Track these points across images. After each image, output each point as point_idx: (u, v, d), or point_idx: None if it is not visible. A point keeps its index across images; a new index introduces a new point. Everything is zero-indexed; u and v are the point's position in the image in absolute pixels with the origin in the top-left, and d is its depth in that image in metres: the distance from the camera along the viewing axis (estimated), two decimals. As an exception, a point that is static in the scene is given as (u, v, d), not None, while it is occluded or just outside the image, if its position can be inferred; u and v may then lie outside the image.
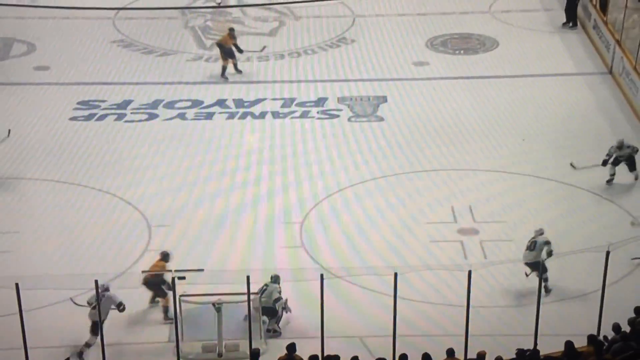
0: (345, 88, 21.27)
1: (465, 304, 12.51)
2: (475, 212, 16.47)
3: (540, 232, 14.37)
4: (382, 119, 19.98)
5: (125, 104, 20.42)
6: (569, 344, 11.93)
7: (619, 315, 12.66)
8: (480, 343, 12.41)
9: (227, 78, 21.28)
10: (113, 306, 13.14)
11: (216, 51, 22.90)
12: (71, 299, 13.42)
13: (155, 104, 20.44)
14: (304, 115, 19.99)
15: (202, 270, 14.36)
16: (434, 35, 24.06)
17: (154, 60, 22.57)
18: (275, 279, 13.71)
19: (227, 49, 21.36)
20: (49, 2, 25.23)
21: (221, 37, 21.80)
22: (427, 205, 16.71)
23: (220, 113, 20.14)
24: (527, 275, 14.18)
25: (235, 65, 21.48)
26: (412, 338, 13.14)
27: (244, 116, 20.00)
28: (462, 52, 23.32)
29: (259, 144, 18.77)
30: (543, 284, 13.55)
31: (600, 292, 12.86)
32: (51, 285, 14.13)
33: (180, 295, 12.88)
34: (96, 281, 12.35)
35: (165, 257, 14.16)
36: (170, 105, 20.46)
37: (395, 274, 12.33)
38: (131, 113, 20.05)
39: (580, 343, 12.15)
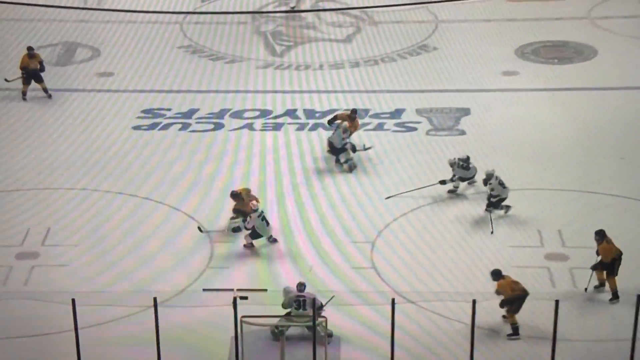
0: (425, 99, 21.38)
1: (551, 336, 12.42)
2: (565, 236, 16.33)
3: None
4: (463, 133, 20.00)
5: (191, 113, 20.98)
6: None
7: None
8: (567, 379, 12.31)
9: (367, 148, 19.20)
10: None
11: (287, 58, 23.35)
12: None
13: (221, 114, 20.94)
14: (378, 127, 20.16)
15: (265, 290, 14.66)
16: (524, 42, 23.99)
17: (222, 67, 23.14)
18: (303, 286, 13.93)
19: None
20: (115, 5, 26.18)
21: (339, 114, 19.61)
22: (511, 227, 16.63)
23: (290, 124, 20.50)
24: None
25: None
26: (490, 371, 13.13)
27: (314, 128, 20.31)
28: (555, 61, 23.17)
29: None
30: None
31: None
32: (109, 301, 14.59)
33: (242, 317, 13.14)
34: None
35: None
36: (237, 114, 20.92)
37: (474, 301, 12.36)
38: (196, 122, 20.59)
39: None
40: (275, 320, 13.68)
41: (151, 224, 16.94)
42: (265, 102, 21.46)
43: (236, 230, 16.09)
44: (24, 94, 21.12)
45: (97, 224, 16.86)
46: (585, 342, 13.85)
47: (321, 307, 13.74)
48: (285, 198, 17.75)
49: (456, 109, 20.98)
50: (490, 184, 16.64)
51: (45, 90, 21.21)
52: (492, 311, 14.22)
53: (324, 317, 13.46)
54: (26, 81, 21.02)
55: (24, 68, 20.98)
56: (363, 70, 22.94)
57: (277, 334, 13.52)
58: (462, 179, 17.57)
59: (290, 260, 15.87)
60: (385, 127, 20.21)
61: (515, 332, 13.89)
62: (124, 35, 24.83)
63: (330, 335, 13.69)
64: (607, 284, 14.79)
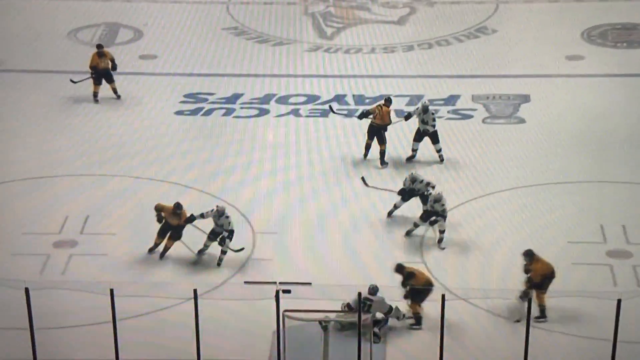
0: (482, 85, 21.33)
1: (612, 337, 12.38)
2: (630, 232, 16.23)
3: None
4: (523, 121, 19.92)
5: (235, 97, 21.23)
6: None
7: None
8: (627, 384, 12.28)
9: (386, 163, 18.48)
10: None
11: (337, 41, 23.41)
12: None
13: (267, 99, 21.14)
14: (432, 114, 20.22)
15: (309, 283, 14.81)
16: (591, 25, 23.76)
17: (268, 50, 23.33)
18: (375, 290, 14.05)
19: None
20: (158, -16, 26.52)
21: (377, 113, 18.40)
22: (571, 222, 16.58)
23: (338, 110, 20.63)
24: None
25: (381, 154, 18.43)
26: (546, 373, 13.15)
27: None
28: (624, 45, 22.92)
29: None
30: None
31: None
32: (148, 292, 14.88)
33: (284, 311, 13.31)
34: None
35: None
36: (283, 100, 21.10)
37: (529, 299, 12.33)
38: (240, 108, 20.83)
39: None
40: (319, 315, 13.82)
41: (193, 212, 17.17)
42: (313, 87, 21.60)
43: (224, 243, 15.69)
44: (95, 94, 20.87)
45: (136, 213, 17.17)
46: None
47: (390, 310, 14.00)
48: (332, 188, 17.89)
49: (515, 95, 20.88)
50: (443, 204, 15.88)
51: (114, 91, 20.93)
52: (549, 310, 14.20)
53: (369, 313, 13.62)
54: (97, 81, 20.74)
55: (93, 67, 20.69)
56: (417, 54, 22.94)
57: (323, 328, 13.68)
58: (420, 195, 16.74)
59: (336, 252, 16.01)
60: (439, 114, 20.14)
61: (418, 322, 14.16)
62: (168, 16, 25.15)
63: (377, 335, 13.83)
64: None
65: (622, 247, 15.94)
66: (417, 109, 18.29)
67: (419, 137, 18.38)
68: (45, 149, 19.33)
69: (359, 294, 13.57)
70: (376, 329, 13.93)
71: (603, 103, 20.49)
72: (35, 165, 18.70)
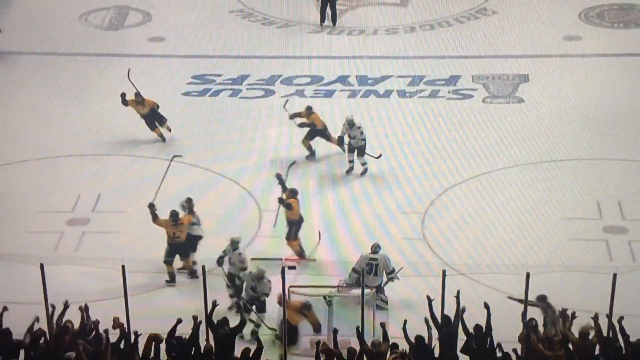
0: (482, 65, 21.30)
1: (607, 311, 12.43)
2: (625, 208, 16.29)
3: None
4: (521, 101, 19.91)
5: (241, 79, 21.24)
6: None
7: None
8: (622, 355, 12.29)
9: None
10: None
11: (341, 23, 23.35)
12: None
13: (272, 80, 21.14)
14: (433, 94, 20.18)
15: (314, 260, 14.93)
16: (589, 5, 23.64)
17: (274, 32, 23.29)
18: (377, 248, 14.21)
19: (319, 131, 18.01)
20: (166, -32, 26.39)
21: (303, 113, 18.20)
22: (568, 199, 16.63)
23: (342, 91, 20.61)
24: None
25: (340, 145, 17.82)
26: (543, 346, 13.15)
27: (366, 95, 20.40)
28: (621, 25, 22.82)
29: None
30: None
31: None
32: (159, 269, 15.01)
33: (290, 287, 13.42)
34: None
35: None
36: (288, 81, 21.10)
37: (528, 274, 12.43)
38: (247, 89, 20.84)
39: None
40: (323, 291, 13.92)
41: (202, 192, 17.25)
42: (317, 68, 21.55)
43: None
44: (160, 136, 18.91)
45: (145, 191, 17.22)
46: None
47: (392, 271, 14.12)
48: (335, 167, 17.94)
49: (514, 75, 20.86)
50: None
51: (160, 134, 18.95)
52: (546, 285, 14.23)
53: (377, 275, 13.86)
54: (150, 126, 18.76)
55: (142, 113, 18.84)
56: (418, 35, 22.87)
57: (328, 303, 13.76)
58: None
59: (340, 229, 16.08)
60: (440, 94, 20.22)
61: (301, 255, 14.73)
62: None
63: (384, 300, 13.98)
64: None
65: (618, 222, 16.00)
66: (344, 125, 17.52)
67: (351, 150, 17.48)
68: (58, 130, 19.38)
69: (362, 270, 13.68)
70: (383, 295, 14.05)
71: (600, 82, 20.46)
72: (48, 146, 18.78)
